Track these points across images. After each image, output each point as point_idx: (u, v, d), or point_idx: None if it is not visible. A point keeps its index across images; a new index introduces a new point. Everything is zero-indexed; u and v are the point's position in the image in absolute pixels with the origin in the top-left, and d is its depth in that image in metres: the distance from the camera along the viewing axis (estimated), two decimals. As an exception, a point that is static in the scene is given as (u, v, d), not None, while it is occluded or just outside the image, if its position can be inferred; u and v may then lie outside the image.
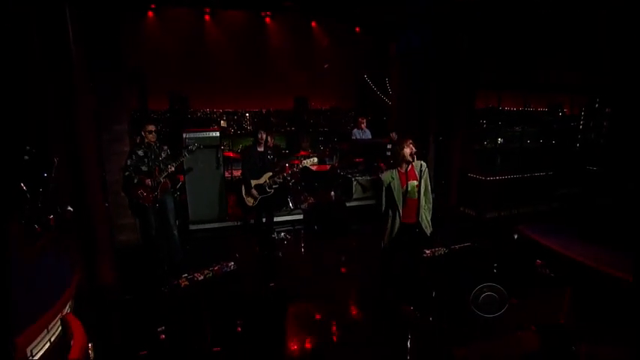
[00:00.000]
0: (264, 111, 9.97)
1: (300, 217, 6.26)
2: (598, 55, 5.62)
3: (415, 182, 3.31)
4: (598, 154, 7.59)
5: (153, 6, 7.46)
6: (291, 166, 5.52)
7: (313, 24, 9.12)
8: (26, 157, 2.65)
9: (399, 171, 3.36)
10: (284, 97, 9.85)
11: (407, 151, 3.27)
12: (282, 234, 5.93)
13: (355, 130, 7.52)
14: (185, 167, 5.47)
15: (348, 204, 6.43)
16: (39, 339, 2.11)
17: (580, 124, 9.17)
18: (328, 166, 7.98)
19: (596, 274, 3.92)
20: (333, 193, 6.89)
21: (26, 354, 1.99)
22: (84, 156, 3.67)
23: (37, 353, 2.07)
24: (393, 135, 6.66)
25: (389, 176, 3.36)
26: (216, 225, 5.84)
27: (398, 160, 3.35)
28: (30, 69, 2.67)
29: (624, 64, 5.33)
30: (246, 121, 9.74)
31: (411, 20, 5.91)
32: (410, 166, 3.34)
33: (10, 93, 2.48)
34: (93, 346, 2.51)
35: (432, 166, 7.20)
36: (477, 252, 4.31)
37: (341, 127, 10.07)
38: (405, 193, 3.33)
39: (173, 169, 4.24)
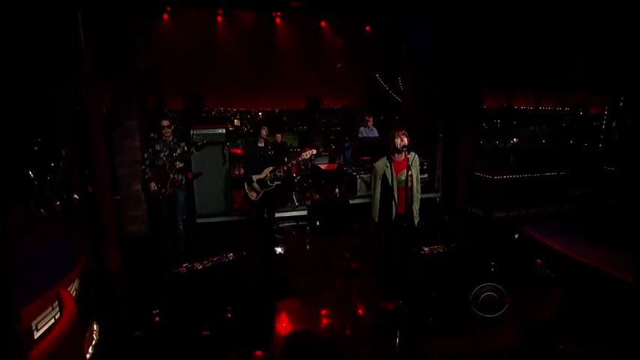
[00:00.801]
0: (276, 110, 10.18)
1: (305, 213, 6.37)
2: (598, 55, 5.46)
3: (407, 172, 3.37)
4: (620, 155, 7.29)
5: (168, 8, 7.78)
6: (297, 162, 5.62)
7: (323, 24, 9.20)
8: (36, 149, 2.90)
9: (392, 160, 3.43)
10: (296, 97, 10.03)
11: (397, 141, 3.33)
12: (285, 229, 6.05)
13: (362, 128, 7.55)
14: (193, 164, 5.67)
15: (352, 201, 6.47)
16: (43, 315, 2.27)
17: (603, 124, 8.82)
18: (336, 165, 8.07)
19: (596, 274, 3.81)
20: (337, 190, 6.96)
21: (31, 327, 2.15)
22: (93, 152, 3.90)
23: (41, 328, 2.24)
24: None
25: (382, 164, 3.45)
26: (222, 219, 6.03)
27: (390, 149, 3.43)
28: (40, 69, 2.90)
29: (625, 63, 5.16)
30: (259, 120, 9.97)
31: (411, 20, 5.92)
32: (402, 156, 3.41)
33: (20, 92, 2.70)
34: (97, 325, 2.73)
35: (439, 165, 7.16)
36: (474, 251, 4.27)
37: (353, 126, 10.13)
38: (398, 181, 3.41)
39: (182, 165, 4.39)
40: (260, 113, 10.08)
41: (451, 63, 6.06)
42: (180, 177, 4.46)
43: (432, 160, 7.14)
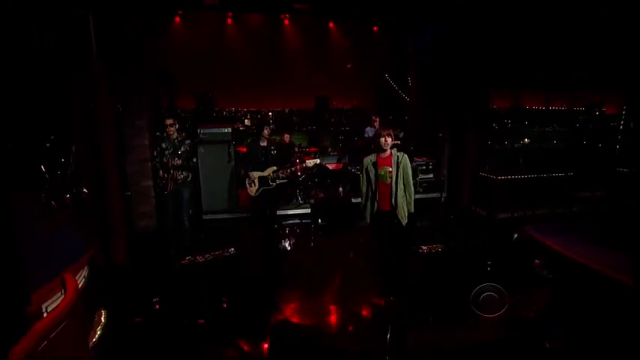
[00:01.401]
0: (286, 110, 10.29)
1: (308, 211, 6.47)
2: (599, 54, 5.36)
3: (389, 168, 3.52)
4: (636, 156, 7.08)
5: (180, 12, 8.03)
6: (301, 161, 5.75)
7: (331, 25, 9.26)
8: (47, 145, 3.11)
9: (378, 156, 3.59)
10: (306, 97, 10.09)
11: (382, 140, 3.50)
12: (288, 226, 6.17)
13: (368, 128, 7.61)
14: (199, 162, 5.86)
15: (354, 200, 6.53)
16: (52, 299, 2.45)
17: (620, 124, 8.55)
18: (342, 165, 8.16)
19: (594, 275, 3.77)
20: (341, 189, 7.03)
21: (41, 309, 2.32)
22: (102, 150, 4.11)
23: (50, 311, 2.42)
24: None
25: (369, 159, 3.64)
26: (227, 216, 6.21)
27: (376, 147, 3.61)
28: (42, 69, 3.08)
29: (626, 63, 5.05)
30: (269, 120, 10.10)
31: (412, 20, 5.95)
32: (388, 154, 3.56)
33: (33, 91, 2.89)
34: (104, 311, 2.92)
35: (445, 165, 7.14)
36: (473, 250, 4.28)
37: (362, 127, 10.16)
38: (378, 175, 3.57)
39: (179, 162, 4.54)
40: (270, 113, 10.18)
41: (452, 63, 6.05)
42: (182, 174, 4.60)
43: (437, 159, 7.13)
